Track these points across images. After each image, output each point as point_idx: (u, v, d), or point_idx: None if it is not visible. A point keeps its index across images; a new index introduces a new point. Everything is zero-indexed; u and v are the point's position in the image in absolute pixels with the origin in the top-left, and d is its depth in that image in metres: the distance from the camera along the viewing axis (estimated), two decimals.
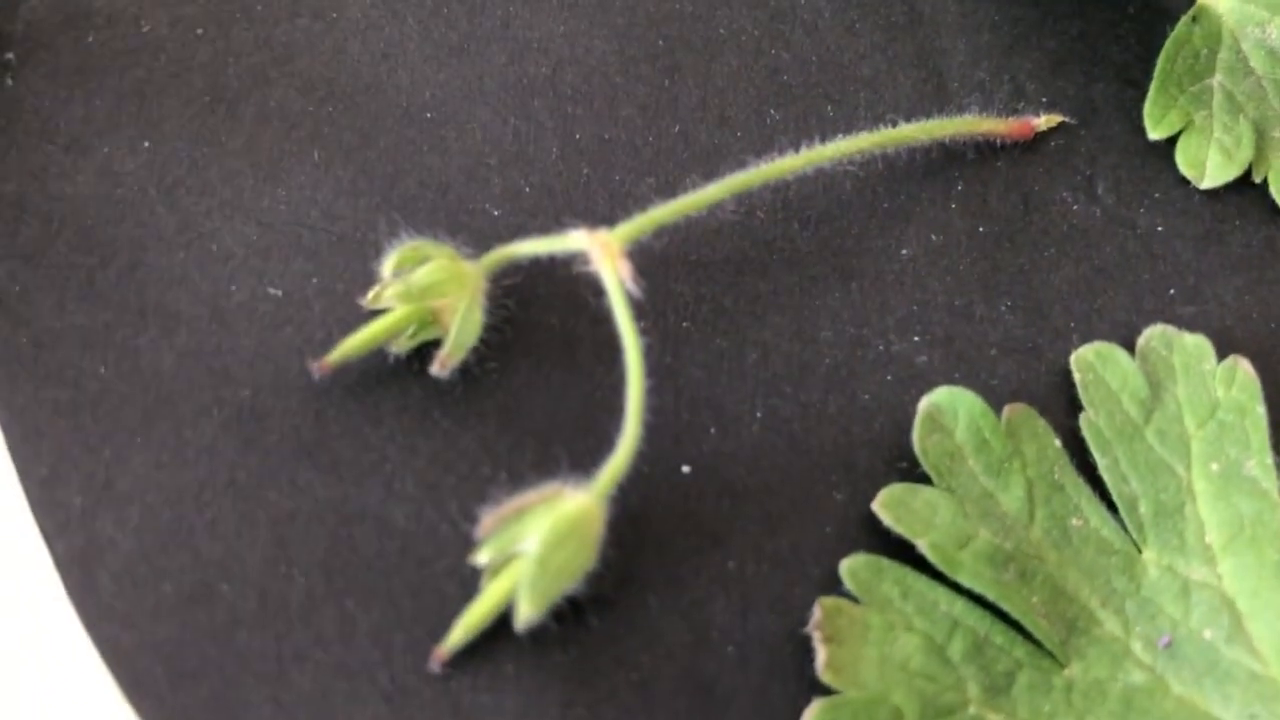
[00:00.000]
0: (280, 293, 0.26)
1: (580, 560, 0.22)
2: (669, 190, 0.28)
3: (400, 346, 0.25)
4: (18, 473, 0.23)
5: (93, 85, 0.28)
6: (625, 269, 0.24)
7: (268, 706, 0.22)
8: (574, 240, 0.24)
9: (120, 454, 0.24)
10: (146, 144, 0.27)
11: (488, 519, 0.22)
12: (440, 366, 0.24)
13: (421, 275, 0.24)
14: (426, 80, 0.29)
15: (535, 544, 0.22)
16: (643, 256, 0.26)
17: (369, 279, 0.26)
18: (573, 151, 0.28)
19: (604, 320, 0.25)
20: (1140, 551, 0.25)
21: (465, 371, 0.25)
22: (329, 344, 0.25)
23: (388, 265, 0.24)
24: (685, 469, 0.25)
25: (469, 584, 0.23)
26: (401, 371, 0.25)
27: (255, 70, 0.28)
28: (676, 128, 0.29)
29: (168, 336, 0.25)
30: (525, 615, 0.22)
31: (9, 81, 0.28)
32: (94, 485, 0.23)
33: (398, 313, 0.24)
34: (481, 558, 0.22)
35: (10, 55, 0.28)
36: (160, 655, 0.22)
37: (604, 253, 0.24)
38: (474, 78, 0.29)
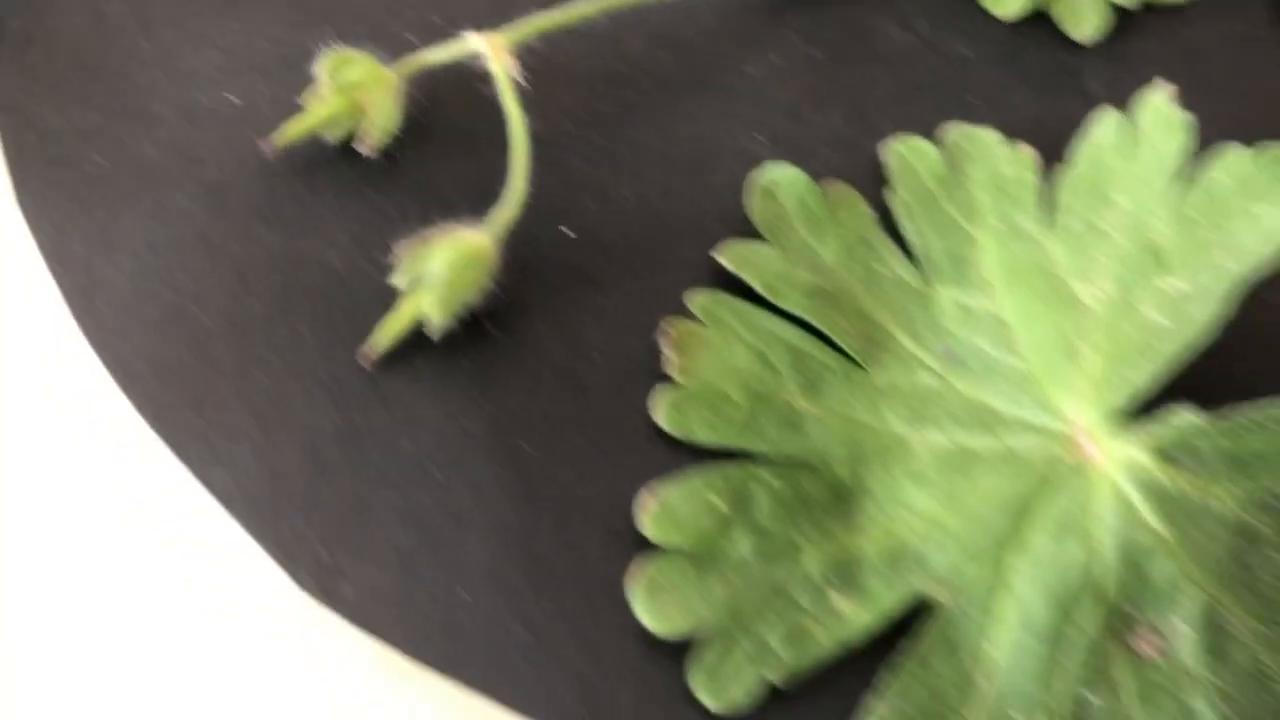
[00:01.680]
0: (238, 100, 0.32)
1: (477, 278, 0.29)
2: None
3: (334, 135, 0.31)
4: (32, 232, 0.30)
5: None
6: (511, 63, 0.30)
7: (234, 399, 0.28)
8: (470, 43, 0.30)
9: (113, 216, 0.30)
10: None
11: (401, 249, 0.29)
12: (365, 146, 0.30)
13: (348, 73, 0.30)
14: None
15: (440, 265, 0.28)
16: (532, 65, 0.33)
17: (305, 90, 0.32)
18: None
19: (502, 118, 0.31)
20: (932, 288, 0.31)
21: (387, 156, 0.31)
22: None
23: (322, 68, 0.31)
24: (570, 233, 0.32)
25: (391, 306, 0.30)
26: (335, 157, 0.31)
27: None
28: None
29: (149, 132, 0.31)
30: (436, 319, 0.28)
31: None
32: (92, 238, 0.30)
33: (330, 103, 0.30)
34: (399, 280, 0.29)
35: None
36: (149, 360, 0.28)
37: (494, 50, 0.30)
38: None
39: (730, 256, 0.31)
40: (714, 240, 0.32)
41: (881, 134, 0.34)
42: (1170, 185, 0.31)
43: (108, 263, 0.29)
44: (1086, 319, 0.30)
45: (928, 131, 0.34)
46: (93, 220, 0.30)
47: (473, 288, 0.28)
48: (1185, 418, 0.28)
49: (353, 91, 0.30)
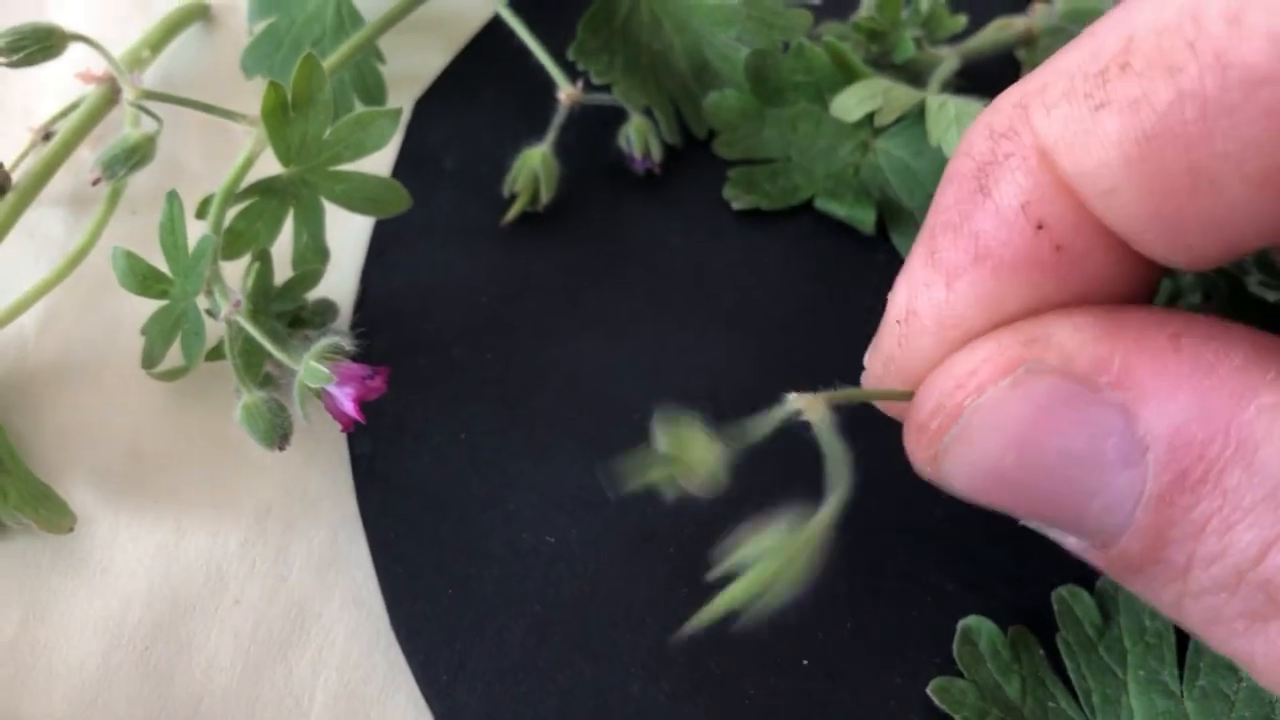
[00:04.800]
0: (553, 540, 0.40)
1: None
2: None
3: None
4: (405, 658, 0.38)
5: (426, 394, 0.42)
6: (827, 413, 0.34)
7: None
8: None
9: (466, 646, 0.38)
10: (463, 435, 0.42)
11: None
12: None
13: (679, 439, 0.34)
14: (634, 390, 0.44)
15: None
16: None
17: (607, 529, 0.40)
18: None
19: None
20: None
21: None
22: (589, 575, 0.39)
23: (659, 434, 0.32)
24: (804, 662, 0.40)
25: None
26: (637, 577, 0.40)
27: (526, 383, 0.43)
28: None
29: (487, 569, 0.39)
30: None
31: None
32: (452, 666, 0.38)
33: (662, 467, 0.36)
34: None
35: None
36: None
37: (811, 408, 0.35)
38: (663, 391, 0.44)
39: (937, 691, 0.39)
40: (917, 668, 0.40)
41: (1043, 572, 0.42)
42: None
43: (465, 689, 0.37)
44: None
45: (1079, 569, 0.42)
46: (452, 649, 0.38)
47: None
48: None
49: (681, 458, 0.31)
